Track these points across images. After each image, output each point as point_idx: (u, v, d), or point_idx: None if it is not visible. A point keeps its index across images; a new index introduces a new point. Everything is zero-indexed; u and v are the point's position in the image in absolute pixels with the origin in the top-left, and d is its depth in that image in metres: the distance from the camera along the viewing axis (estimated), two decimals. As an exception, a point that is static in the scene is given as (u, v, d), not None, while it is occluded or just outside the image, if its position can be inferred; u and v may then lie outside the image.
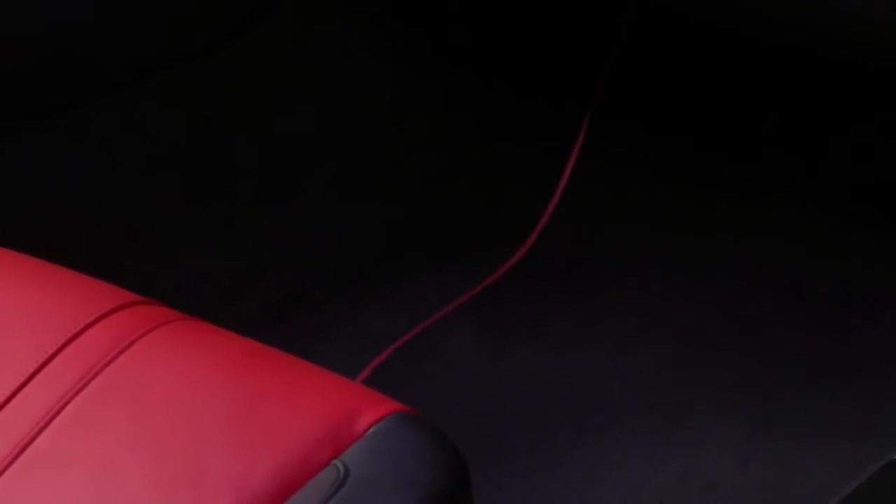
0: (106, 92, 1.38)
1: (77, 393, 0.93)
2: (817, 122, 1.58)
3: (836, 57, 1.35)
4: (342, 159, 1.54)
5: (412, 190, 1.57)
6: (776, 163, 1.58)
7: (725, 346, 1.43)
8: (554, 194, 1.59)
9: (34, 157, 1.35)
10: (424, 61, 1.58)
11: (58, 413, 0.92)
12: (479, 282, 1.53)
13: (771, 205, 1.55)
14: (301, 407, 0.91)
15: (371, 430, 0.90)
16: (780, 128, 1.59)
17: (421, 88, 1.58)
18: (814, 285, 1.48)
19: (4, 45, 1.29)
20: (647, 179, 1.60)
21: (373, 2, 1.54)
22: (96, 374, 0.93)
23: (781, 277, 1.49)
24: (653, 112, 1.64)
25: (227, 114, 1.47)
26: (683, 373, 1.41)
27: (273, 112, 1.50)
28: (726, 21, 1.30)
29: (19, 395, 0.93)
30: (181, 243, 1.44)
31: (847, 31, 1.14)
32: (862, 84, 1.51)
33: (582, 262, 1.54)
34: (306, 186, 1.52)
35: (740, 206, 1.56)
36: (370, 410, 0.91)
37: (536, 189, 1.59)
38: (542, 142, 1.62)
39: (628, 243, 1.55)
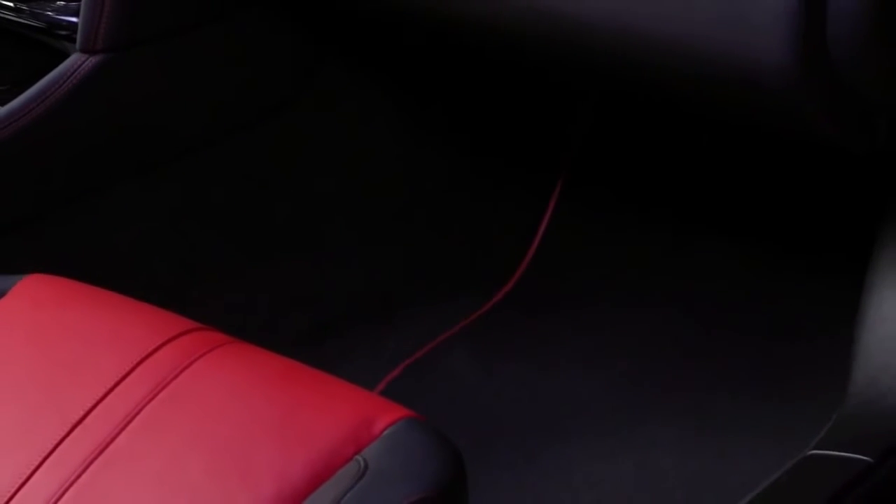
0: (173, 158, 1.38)
1: (149, 402, 0.94)
2: (749, 181, 1.58)
3: (761, 127, 1.34)
4: (360, 212, 1.54)
5: (418, 236, 1.57)
6: (714, 217, 1.57)
7: (672, 364, 1.43)
8: (533, 242, 1.59)
9: (115, 211, 1.35)
10: (429, 134, 1.58)
11: (133, 418, 0.93)
12: (473, 312, 1.53)
13: (708, 252, 1.55)
14: (329, 413, 0.93)
15: (386, 432, 0.91)
16: (716, 186, 1.59)
17: (426, 155, 1.58)
18: (743, 317, 1.48)
19: (97, 120, 1.30)
20: (608, 231, 1.60)
21: (385, 86, 1.54)
22: (164, 387, 0.94)
23: (715, 311, 1.49)
24: (613, 179, 1.63)
25: (267, 175, 1.47)
26: (638, 385, 1.41)
27: (303, 174, 1.49)
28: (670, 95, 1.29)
29: (102, 404, 0.94)
30: (231, 280, 1.44)
31: (767, 106, 1.13)
32: (792, 150, 1.51)
33: (556, 297, 1.55)
34: (331, 234, 1.52)
35: (683, 253, 1.56)
36: (385, 416, 0.92)
37: (519, 238, 1.60)
38: (524, 199, 1.62)
39: (593, 282, 1.56)
